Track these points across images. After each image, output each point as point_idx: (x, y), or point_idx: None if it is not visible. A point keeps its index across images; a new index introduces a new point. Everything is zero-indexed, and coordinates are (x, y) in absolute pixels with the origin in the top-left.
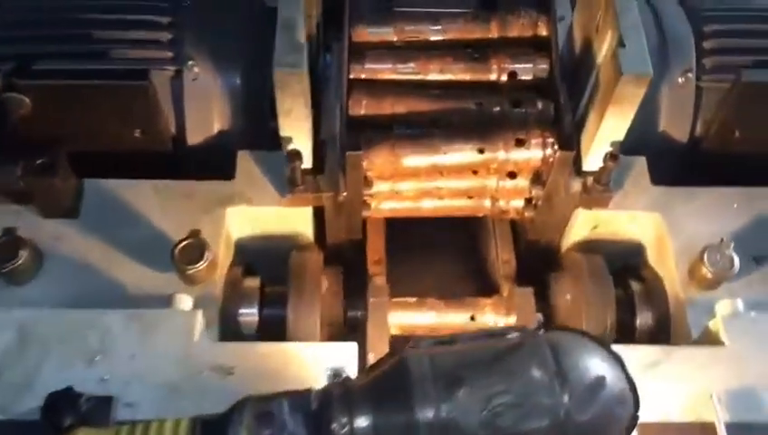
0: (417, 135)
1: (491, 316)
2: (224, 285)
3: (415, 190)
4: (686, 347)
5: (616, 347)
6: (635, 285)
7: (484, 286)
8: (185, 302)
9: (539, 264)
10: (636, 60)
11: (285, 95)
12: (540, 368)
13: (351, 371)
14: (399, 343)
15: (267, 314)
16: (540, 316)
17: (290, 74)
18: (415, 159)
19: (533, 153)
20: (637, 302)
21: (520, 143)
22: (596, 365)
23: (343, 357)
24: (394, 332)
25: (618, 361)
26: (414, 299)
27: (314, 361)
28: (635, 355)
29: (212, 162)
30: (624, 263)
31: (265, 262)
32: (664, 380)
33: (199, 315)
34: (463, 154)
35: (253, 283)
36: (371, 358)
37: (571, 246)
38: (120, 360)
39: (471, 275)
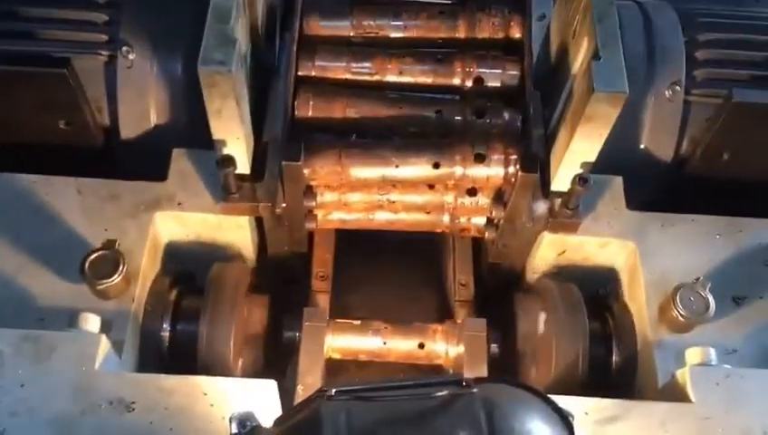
0: (368, 145)
1: (442, 344)
2: (147, 298)
3: (366, 203)
4: (647, 402)
5: (567, 399)
6: (604, 319)
7: (439, 310)
8: (91, 322)
9: (501, 286)
10: (610, 76)
11: (213, 95)
12: (470, 432)
13: (270, 410)
14: (331, 370)
15: (181, 330)
16: (495, 347)
17: (217, 73)
18: (364, 171)
19: (494, 171)
20: (607, 338)
21: (479, 159)
22: (538, 430)
23: (260, 396)
24: (335, 356)
25: (564, 423)
26: (358, 322)
27: (227, 398)
28: (590, 408)
29: (148, 160)
30: (595, 291)
31: (204, 269)
32: None
33: (103, 340)
34: (416, 168)
35: (174, 295)
36: (300, 391)
37: (536, 271)
38: (8, 387)
39: (425, 296)
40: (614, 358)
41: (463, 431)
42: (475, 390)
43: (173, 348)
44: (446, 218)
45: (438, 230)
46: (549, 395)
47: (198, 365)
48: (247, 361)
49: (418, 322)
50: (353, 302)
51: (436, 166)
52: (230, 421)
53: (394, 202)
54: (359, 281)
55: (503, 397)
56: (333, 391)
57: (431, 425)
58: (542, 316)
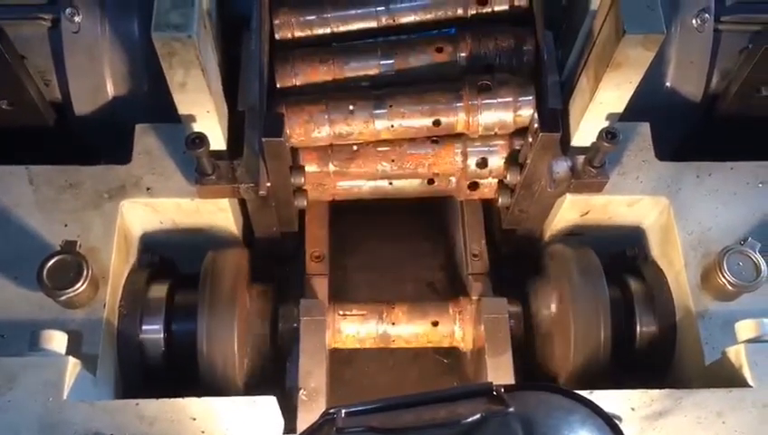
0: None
1: (457, 326)
2: (121, 299)
3: (362, 166)
4: (699, 391)
5: (610, 394)
6: (634, 285)
7: (450, 286)
8: (56, 341)
9: (517, 252)
10: (643, 13)
11: (174, 66)
12: None
13: (271, 429)
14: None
15: (177, 329)
16: (515, 324)
17: (174, 40)
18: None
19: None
20: (636, 306)
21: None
22: None
23: (259, 415)
24: (338, 345)
25: (613, 431)
26: (360, 307)
27: (220, 422)
28: (636, 403)
29: (109, 139)
30: (620, 252)
31: (188, 258)
32: None
33: (71, 362)
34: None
35: (159, 292)
36: (303, 397)
37: (556, 234)
38: None
39: (428, 270)
40: (647, 329)
41: None
42: (510, 409)
43: (168, 350)
44: (452, 179)
45: (442, 194)
46: (587, 390)
47: (200, 369)
48: (253, 359)
49: (428, 301)
50: (354, 282)
51: (437, 123)
52: None
53: (393, 160)
54: (358, 257)
55: (541, 411)
56: (343, 413)
57: None
58: (556, 289)
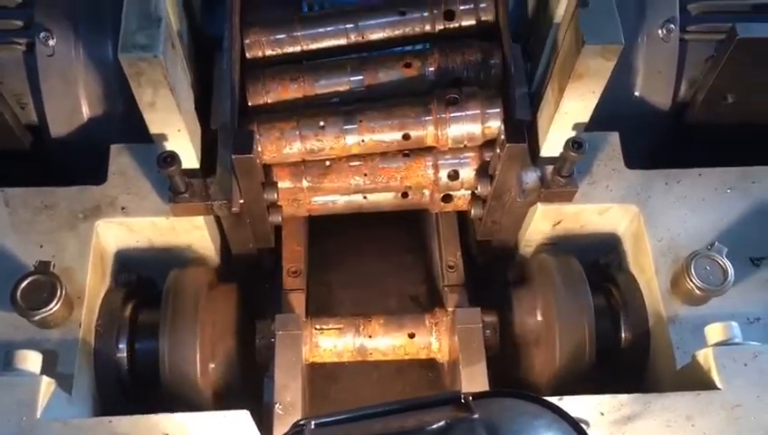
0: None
1: (434, 338)
2: (98, 318)
3: (334, 183)
4: (668, 395)
5: (579, 400)
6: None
7: (426, 298)
8: (30, 361)
9: (493, 262)
10: (601, 24)
11: (143, 85)
12: None
13: None
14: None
15: (140, 348)
16: (490, 334)
17: (141, 60)
18: (325, 139)
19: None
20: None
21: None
22: None
23: (232, 429)
24: (316, 359)
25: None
26: (337, 321)
27: None
28: (606, 408)
29: (85, 160)
30: (595, 260)
31: (166, 276)
32: None
33: (45, 382)
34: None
35: (130, 309)
36: (279, 410)
37: (530, 244)
38: None
39: (411, 283)
40: (623, 335)
41: None
42: (475, 416)
43: (133, 370)
44: (425, 192)
45: (415, 207)
46: (557, 396)
47: (162, 386)
48: (220, 373)
49: (404, 313)
50: (338, 299)
51: (407, 137)
52: None
53: (366, 174)
54: (342, 273)
55: (506, 417)
56: (312, 424)
57: None
58: (541, 298)
